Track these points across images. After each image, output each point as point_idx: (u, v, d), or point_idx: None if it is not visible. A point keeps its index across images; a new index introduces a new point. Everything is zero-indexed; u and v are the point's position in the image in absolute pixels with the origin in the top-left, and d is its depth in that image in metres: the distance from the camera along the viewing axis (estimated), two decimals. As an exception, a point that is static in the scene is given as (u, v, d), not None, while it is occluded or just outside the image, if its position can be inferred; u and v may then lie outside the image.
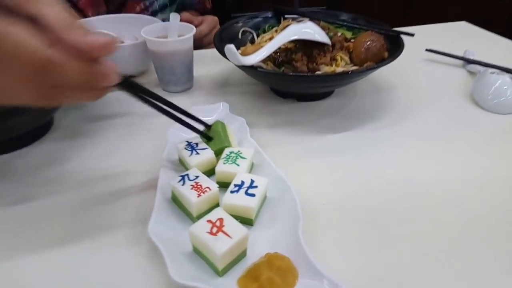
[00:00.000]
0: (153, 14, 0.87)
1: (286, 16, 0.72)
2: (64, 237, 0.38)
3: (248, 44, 0.67)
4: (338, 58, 0.59)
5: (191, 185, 0.39)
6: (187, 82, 0.65)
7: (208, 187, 0.39)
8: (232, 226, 0.34)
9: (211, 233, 0.33)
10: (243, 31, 0.70)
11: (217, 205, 0.40)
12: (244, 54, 0.53)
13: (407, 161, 0.49)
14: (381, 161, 0.49)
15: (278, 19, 0.73)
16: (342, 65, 0.59)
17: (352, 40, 0.64)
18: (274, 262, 0.32)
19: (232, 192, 0.38)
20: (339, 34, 0.64)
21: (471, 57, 0.74)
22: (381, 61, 0.57)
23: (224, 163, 0.43)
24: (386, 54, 0.59)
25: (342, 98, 0.63)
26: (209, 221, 0.34)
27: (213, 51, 0.59)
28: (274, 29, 0.68)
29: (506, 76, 0.61)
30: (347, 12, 0.71)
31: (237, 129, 0.51)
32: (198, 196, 0.37)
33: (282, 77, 0.56)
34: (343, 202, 0.42)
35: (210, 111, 0.54)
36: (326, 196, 0.43)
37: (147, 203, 0.40)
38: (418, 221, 0.40)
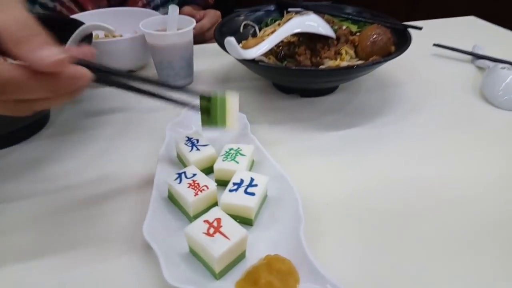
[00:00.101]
0: (155, 9, 0.86)
1: (289, 9, 0.70)
2: (58, 234, 0.37)
3: (250, 38, 0.66)
4: (343, 52, 0.57)
5: (188, 183, 0.37)
6: (186, 77, 0.64)
7: (205, 186, 0.37)
8: (230, 226, 0.32)
9: (208, 234, 0.31)
10: (244, 24, 0.68)
11: (215, 204, 0.38)
12: (245, 47, 0.51)
13: (414, 159, 0.47)
14: (387, 159, 0.47)
15: (281, 13, 0.71)
16: (347, 59, 0.57)
17: (358, 34, 0.62)
18: (274, 265, 0.31)
19: (230, 190, 0.37)
20: (344, 27, 0.62)
21: (480, 52, 0.71)
22: (387, 55, 0.55)
23: (223, 161, 0.41)
24: (392, 48, 0.57)
25: (347, 93, 0.62)
26: (206, 221, 0.33)
27: (214, 45, 0.58)
28: (277, 22, 0.66)
29: (517, 72, 0.59)
30: (352, 6, 0.69)
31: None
32: (195, 195, 0.36)
33: (285, 71, 0.54)
34: (347, 201, 0.41)
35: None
36: (329, 196, 0.41)
37: (143, 201, 0.39)
38: (427, 221, 0.38)
